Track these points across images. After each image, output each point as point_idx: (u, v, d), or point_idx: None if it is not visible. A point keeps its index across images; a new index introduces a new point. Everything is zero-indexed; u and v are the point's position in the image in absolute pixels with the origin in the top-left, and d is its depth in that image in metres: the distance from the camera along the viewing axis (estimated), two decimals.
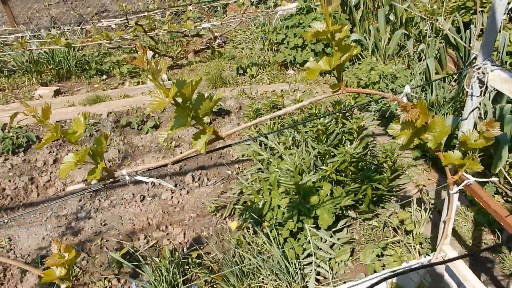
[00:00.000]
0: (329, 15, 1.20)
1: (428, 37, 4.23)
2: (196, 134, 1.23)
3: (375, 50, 4.30)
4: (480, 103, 2.90)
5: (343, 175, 2.56)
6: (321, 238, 2.43)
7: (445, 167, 1.68)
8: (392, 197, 2.85)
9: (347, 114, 3.01)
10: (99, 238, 2.70)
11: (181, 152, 3.38)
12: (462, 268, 1.83)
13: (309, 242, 2.38)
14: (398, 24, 4.78)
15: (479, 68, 1.46)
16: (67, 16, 6.53)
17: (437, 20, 4.14)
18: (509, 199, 2.85)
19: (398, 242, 2.49)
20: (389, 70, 3.80)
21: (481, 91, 1.53)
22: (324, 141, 2.58)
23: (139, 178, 1.27)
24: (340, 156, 2.44)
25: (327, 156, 2.57)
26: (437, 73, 4.22)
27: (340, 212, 2.60)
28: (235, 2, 6.12)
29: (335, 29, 1.18)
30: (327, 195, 2.45)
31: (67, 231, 2.76)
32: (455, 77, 3.83)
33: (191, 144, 3.35)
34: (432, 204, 2.84)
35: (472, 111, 1.58)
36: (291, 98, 4.06)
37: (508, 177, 2.80)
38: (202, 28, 4.67)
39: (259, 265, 2.30)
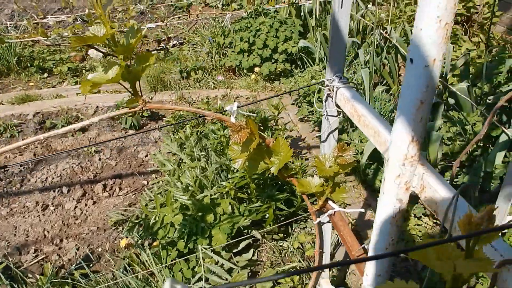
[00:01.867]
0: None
1: (377, 47, 4.05)
2: None
3: (325, 58, 4.12)
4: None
5: (248, 192, 2.37)
6: (217, 261, 2.23)
7: (304, 196, 1.50)
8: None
9: (272, 125, 2.83)
10: None
11: (99, 159, 3.18)
12: None
13: (200, 265, 2.18)
14: (354, 32, 4.61)
15: (327, 85, 1.27)
16: (29, 11, 6.32)
17: (384, 29, 3.96)
18: (438, 221, 2.67)
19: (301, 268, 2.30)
20: None
21: (338, 110, 1.34)
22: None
23: None
24: (241, 171, 2.25)
25: (231, 171, 2.38)
26: (385, 84, 4.05)
27: (245, 232, 2.41)
28: (200, 3, 5.93)
29: (112, 34, 0.99)
30: (226, 213, 2.26)
31: None
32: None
33: (113, 150, 3.16)
34: (353, 224, 2.66)
35: (332, 132, 1.39)
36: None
37: None
38: (147, 28, 4.47)
39: None
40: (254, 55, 4.12)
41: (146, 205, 2.51)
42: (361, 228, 2.53)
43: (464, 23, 4.51)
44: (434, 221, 2.68)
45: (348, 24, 1.21)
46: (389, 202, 0.95)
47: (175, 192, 2.25)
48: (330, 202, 1.47)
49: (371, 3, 4.65)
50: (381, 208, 0.98)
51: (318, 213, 1.56)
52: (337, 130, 1.40)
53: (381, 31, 3.99)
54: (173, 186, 2.37)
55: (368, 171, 2.87)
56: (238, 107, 1.20)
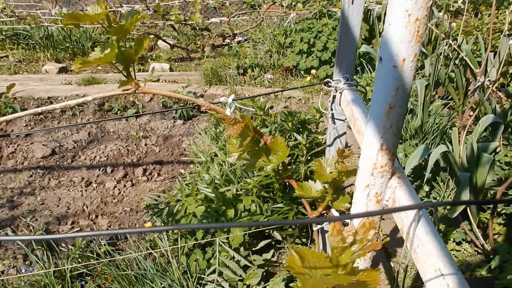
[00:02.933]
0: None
1: (446, 59, 3.80)
2: None
3: None
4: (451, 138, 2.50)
5: (273, 192, 2.33)
6: (233, 256, 2.22)
7: (303, 200, 1.43)
8: None
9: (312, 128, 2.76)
10: (31, 216, 2.70)
11: (145, 144, 3.31)
12: None
13: (215, 258, 2.18)
14: (425, 42, 4.37)
15: (334, 87, 1.20)
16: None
17: (455, 39, 3.70)
18: (479, 250, 2.45)
19: None
20: None
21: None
22: None
23: None
24: (266, 170, 2.22)
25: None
26: (450, 99, 3.78)
27: (267, 232, 2.38)
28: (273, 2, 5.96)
29: (106, 14, 1.02)
30: (246, 210, 2.24)
31: (6, 203, 2.79)
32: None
33: (159, 137, 3.28)
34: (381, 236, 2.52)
35: (339, 136, 1.32)
36: (281, 106, 3.85)
37: (475, 229, 2.39)
38: (211, 22, 4.57)
39: (154, 274, 2.14)
40: (312, 57, 4.05)
41: (175, 193, 2.57)
42: (389, 245, 2.38)
43: None
44: (476, 249, 2.45)
45: (360, 22, 1.14)
46: None
47: (199, 183, 2.27)
48: (333, 210, 1.40)
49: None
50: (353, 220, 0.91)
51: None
52: (345, 135, 1.32)
53: (451, 42, 3.74)
54: (200, 178, 2.40)
55: None
56: (234, 100, 1.18)
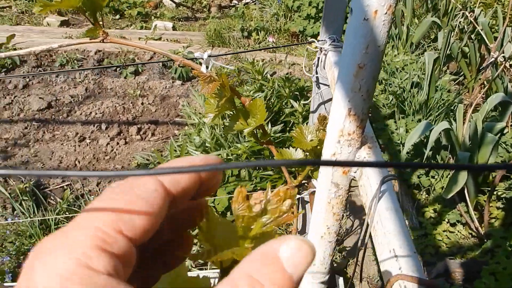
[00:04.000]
0: None
1: (461, 32, 3.63)
2: None
3: (396, 36, 3.78)
4: (464, 117, 2.41)
5: (263, 159, 2.27)
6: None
7: (282, 168, 1.37)
8: None
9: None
10: (24, 167, 2.68)
11: (142, 103, 3.25)
12: None
13: None
14: (441, 13, 4.18)
15: (319, 48, 1.11)
16: None
17: (472, 11, 3.51)
18: (473, 233, 2.39)
19: None
20: (396, 59, 3.31)
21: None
22: None
23: None
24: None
25: None
26: (461, 74, 3.63)
27: None
28: None
29: None
30: (234, 175, 2.19)
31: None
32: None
33: (156, 97, 3.21)
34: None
35: (324, 103, 1.23)
36: (284, 72, 3.74)
37: (471, 211, 2.32)
38: None
39: None
40: (320, 23, 3.89)
41: (167, 155, 2.52)
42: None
43: None
44: (470, 231, 2.39)
45: None
46: (324, 186, 0.81)
47: (189, 146, 2.22)
48: (313, 180, 1.34)
49: None
50: (318, 191, 0.84)
51: (303, 190, 1.44)
52: (330, 101, 1.24)
53: (467, 13, 3.55)
54: (190, 140, 2.34)
55: None
56: (209, 56, 1.09)
